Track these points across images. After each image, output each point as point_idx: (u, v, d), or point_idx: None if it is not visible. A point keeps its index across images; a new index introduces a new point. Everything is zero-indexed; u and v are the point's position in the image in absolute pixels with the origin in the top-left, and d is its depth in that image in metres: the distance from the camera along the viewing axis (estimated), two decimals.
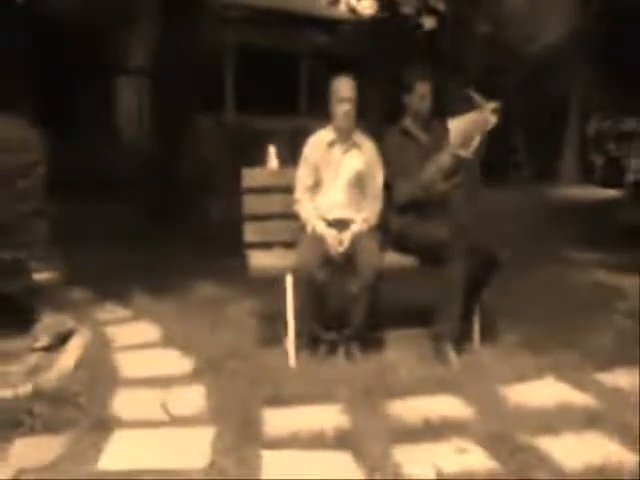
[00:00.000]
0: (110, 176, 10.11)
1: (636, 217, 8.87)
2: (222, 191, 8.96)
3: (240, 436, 3.09)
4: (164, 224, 7.71)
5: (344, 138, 4.21)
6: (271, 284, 4.76)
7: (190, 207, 8.24)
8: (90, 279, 5.58)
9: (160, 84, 8.65)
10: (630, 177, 14.12)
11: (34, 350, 3.95)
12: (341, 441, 3.07)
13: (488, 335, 4.28)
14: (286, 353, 4.07)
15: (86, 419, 3.19)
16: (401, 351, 4.11)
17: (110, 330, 4.51)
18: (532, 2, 14.21)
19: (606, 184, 14.02)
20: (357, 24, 13.70)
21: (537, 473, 2.78)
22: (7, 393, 3.13)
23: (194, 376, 3.83)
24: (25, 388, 3.18)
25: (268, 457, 2.94)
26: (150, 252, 6.65)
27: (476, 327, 4.22)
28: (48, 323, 4.13)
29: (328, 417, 3.30)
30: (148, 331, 4.55)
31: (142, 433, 3.16)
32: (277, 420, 3.27)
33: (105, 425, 3.17)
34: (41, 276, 4.36)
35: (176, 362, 4.03)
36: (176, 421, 3.28)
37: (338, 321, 4.05)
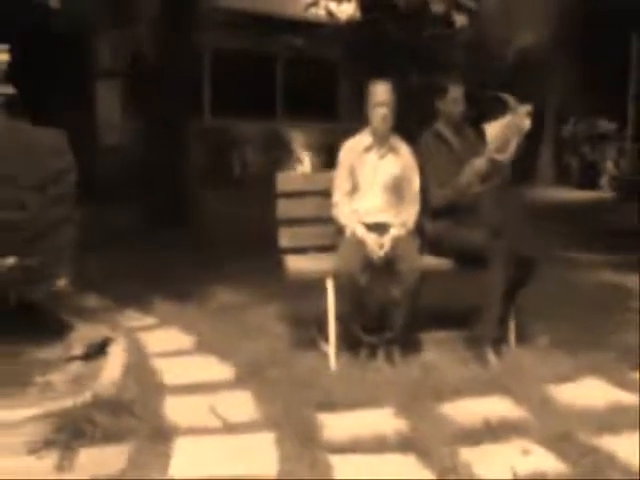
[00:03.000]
0: (92, 179, 9.98)
1: (627, 218, 9.07)
2: (200, 196, 8.93)
3: (302, 441, 3.07)
4: (160, 228, 7.65)
5: (381, 142, 4.21)
6: (290, 288, 4.77)
7: (187, 210, 8.19)
8: (101, 285, 5.52)
9: (154, 88, 8.58)
10: (605, 179, 14.41)
11: (70, 359, 3.89)
12: (404, 444, 3.07)
13: (521, 336, 4.32)
14: (323, 357, 4.07)
15: (145, 427, 3.16)
16: (439, 353, 4.14)
17: (142, 337, 4.46)
18: (506, 6, 14.35)
19: (582, 186, 14.28)
20: (336, 28, 13.70)
21: (610, 474, 2.80)
22: (67, 402, 3.07)
23: (237, 382, 3.81)
24: (84, 397, 3.13)
25: (337, 461, 2.94)
26: (154, 256, 6.59)
27: (512, 328, 4.26)
28: (83, 331, 4.06)
29: (384, 421, 3.31)
30: (179, 338, 4.50)
31: (203, 440, 3.12)
32: (334, 425, 3.27)
33: (165, 433, 3.13)
34: (58, 283, 4.29)
35: (216, 368, 4.01)
36: (232, 428, 3.26)
37: (378, 324, 4.06)
